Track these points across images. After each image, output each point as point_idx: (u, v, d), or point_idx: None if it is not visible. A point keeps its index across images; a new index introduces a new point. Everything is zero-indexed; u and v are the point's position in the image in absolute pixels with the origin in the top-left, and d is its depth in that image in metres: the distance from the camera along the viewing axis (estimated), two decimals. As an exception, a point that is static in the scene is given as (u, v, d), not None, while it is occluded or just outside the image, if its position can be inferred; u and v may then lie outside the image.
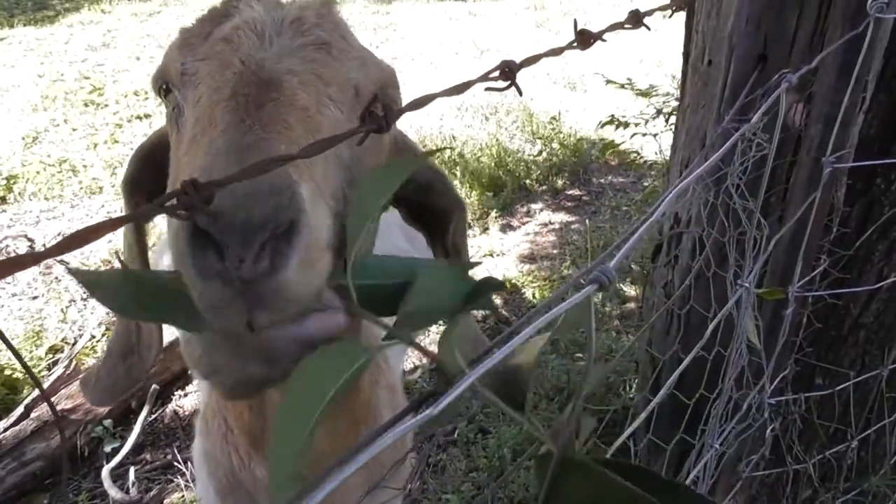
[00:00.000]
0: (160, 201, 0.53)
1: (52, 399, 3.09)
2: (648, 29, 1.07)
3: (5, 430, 2.94)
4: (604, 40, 0.96)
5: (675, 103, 4.20)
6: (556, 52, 0.93)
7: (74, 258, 4.37)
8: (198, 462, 1.57)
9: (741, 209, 1.70)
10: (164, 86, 0.88)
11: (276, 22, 0.84)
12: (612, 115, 4.31)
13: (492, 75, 0.81)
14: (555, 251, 4.66)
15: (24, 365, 0.48)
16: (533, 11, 11.27)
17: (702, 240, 1.98)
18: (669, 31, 5.43)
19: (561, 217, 5.14)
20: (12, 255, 3.24)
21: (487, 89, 0.83)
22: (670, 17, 1.26)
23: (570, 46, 0.95)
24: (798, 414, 2.20)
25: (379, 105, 0.66)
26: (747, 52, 1.79)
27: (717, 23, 1.88)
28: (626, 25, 1.06)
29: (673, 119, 4.11)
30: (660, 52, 8.08)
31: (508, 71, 0.81)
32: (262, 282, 0.59)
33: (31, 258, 0.46)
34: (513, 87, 0.81)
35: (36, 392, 3.12)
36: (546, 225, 5.01)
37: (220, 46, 0.82)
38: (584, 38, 0.94)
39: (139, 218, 0.52)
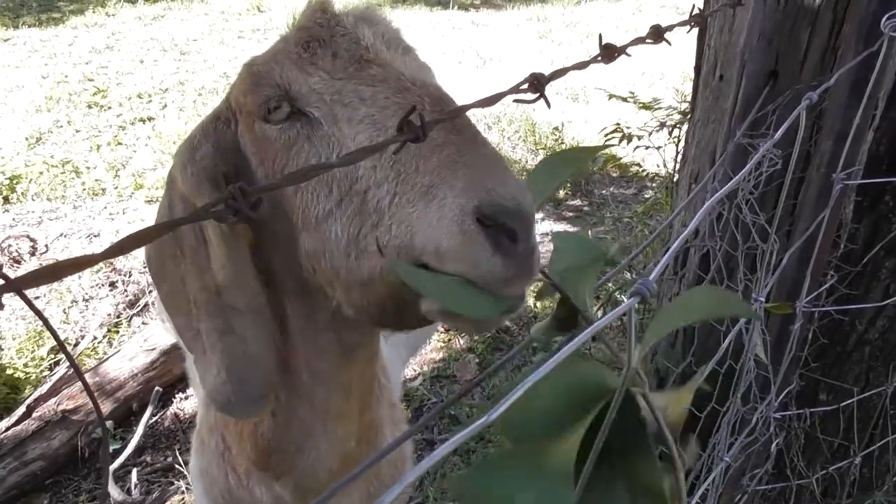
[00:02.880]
0: (208, 206, 0.54)
1: (53, 399, 3.09)
2: (669, 44, 1.09)
3: (7, 429, 2.93)
4: (628, 55, 0.97)
5: (678, 116, 4.22)
6: (581, 65, 0.94)
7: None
8: (194, 478, 1.58)
9: (751, 223, 1.71)
10: (278, 101, 0.97)
11: (378, 37, 1.00)
12: (618, 124, 4.34)
13: (521, 88, 0.82)
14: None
15: (56, 339, 0.49)
16: (536, 22, 11.32)
17: (710, 253, 1.99)
18: (673, 44, 5.46)
19: (562, 227, 5.15)
20: (14, 255, 3.23)
21: (516, 101, 0.84)
22: (689, 32, 1.28)
23: (594, 60, 0.96)
24: (802, 429, 2.20)
25: (417, 115, 0.67)
26: (759, 68, 1.81)
27: (730, 38, 1.90)
28: (648, 40, 1.07)
29: (676, 132, 4.14)
30: (662, 64, 8.12)
31: (537, 83, 0.82)
32: (533, 255, 0.80)
33: (88, 260, 0.47)
34: (541, 99, 0.82)
35: (38, 392, 3.11)
36: (547, 235, 5.02)
37: (363, 68, 0.96)
38: (609, 53, 0.96)
39: (191, 221, 0.52)
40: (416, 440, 3.10)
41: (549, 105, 0.83)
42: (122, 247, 0.49)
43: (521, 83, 0.82)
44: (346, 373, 1.23)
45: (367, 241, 0.89)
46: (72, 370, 3.25)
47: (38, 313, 0.46)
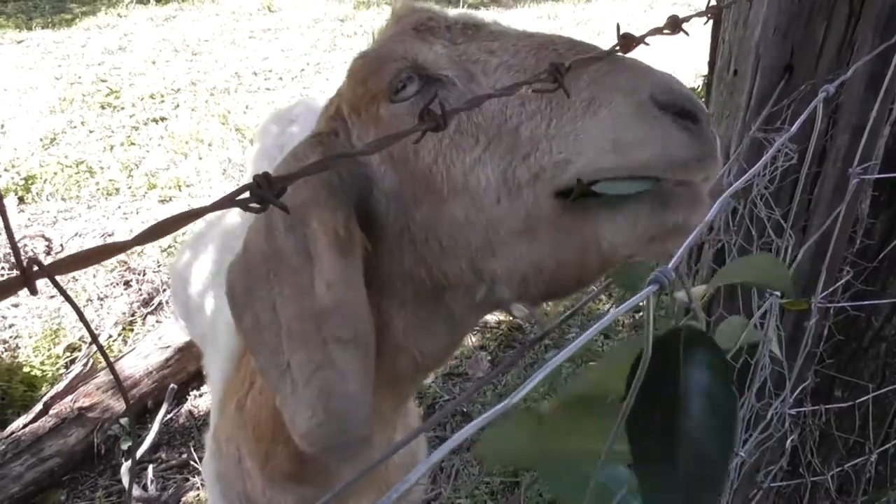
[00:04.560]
0: (233, 194, 0.55)
1: (70, 397, 3.12)
2: (687, 34, 1.08)
3: (24, 426, 2.96)
4: (646, 44, 0.97)
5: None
6: (599, 56, 0.94)
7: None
8: (209, 480, 1.57)
9: (766, 218, 1.70)
10: (407, 74, 0.95)
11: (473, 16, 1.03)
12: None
13: (541, 77, 0.82)
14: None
15: (88, 329, 0.49)
16: (546, 20, 11.30)
17: (724, 248, 1.99)
18: (682, 38, 5.44)
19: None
20: (30, 254, 3.25)
21: (535, 91, 0.84)
22: (705, 24, 1.27)
23: (613, 50, 0.96)
24: (817, 426, 2.19)
25: (438, 103, 0.67)
26: (774, 63, 1.80)
27: (744, 33, 1.89)
28: (666, 31, 1.07)
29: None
30: (676, 61, 8.09)
31: (557, 73, 0.82)
32: (715, 137, 0.80)
33: (118, 247, 0.48)
34: (561, 90, 0.83)
35: (54, 389, 3.14)
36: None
37: (479, 30, 0.98)
38: (627, 43, 0.95)
39: (215, 209, 0.53)
40: (428, 439, 3.11)
41: (568, 95, 0.83)
42: (153, 233, 0.50)
43: (541, 73, 0.82)
44: (416, 383, 1.22)
45: (518, 174, 0.85)
46: (88, 368, 3.28)
47: (71, 300, 0.46)
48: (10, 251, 4.26)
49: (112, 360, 3.40)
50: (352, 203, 0.94)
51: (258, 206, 0.54)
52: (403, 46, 0.97)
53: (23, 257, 0.41)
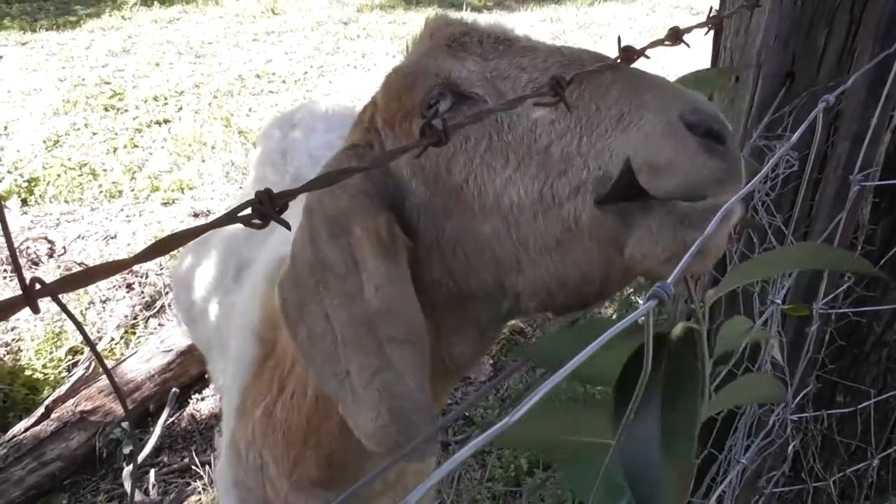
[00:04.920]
0: (236, 210, 0.55)
1: (72, 400, 3.12)
2: (688, 46, 1.09)
3: (25, 430, 2.97)
4: (647, 57, 0.98)
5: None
6: (601, 69, 0.94)
7: (94, 261, 4.42)
8: (224, 488, 1.56)
9: (768, 225, 1.71)
10: (440, 91, 0.97)
11: (506, 29, 1.04)
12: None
13: (542, 91, 0.82)
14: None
15: (89, 343, 0.50)
16: (549, 23, 11.31)
17: (726, 255, 1.99)
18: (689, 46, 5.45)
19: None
20: (33, 256, 3.26)
21: (536, 104, 0.84)
22: (706, 34, 1.28)
23: (614, 63, 0.96)
24: (819, 431, 2.19)
25: (439, 118, 0.68)
26: (775, 70, 1.80)
27: (746, 40, 1.90)
28: (666, 42, 1.08)
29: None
30: (677, 66, 8.09)
31: (558, 87, 0.82)
32: (740, 159, 0.81)
33: (121, 264, 0.48)
34: (561, 103, 0.83)
35: (56, 393, 3.15)
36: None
37: (510, 44, 0.99)
38: (628, 55, 0.96)
39: (217, 226, 0.53)
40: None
41: (569, 108, 0.83)
42: (155, 250, 0.51)
43: (542, 86, 0.83)
44: (445, 388, 1.24)
45: (557, 190, 0.86)
46: (89, 371, 3.29)
47: (74, 319, 0.47)
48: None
49: (114, 363, 3.41)
50: (390, 207, 0.97)
51: (259, 222, 0.55)
52: (436, 63, 0.98)
53: (25, 275, 0.42)
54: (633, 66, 0.92)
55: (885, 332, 2.06)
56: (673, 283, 0.62)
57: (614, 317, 3.45)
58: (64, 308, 0.45)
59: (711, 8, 1.29)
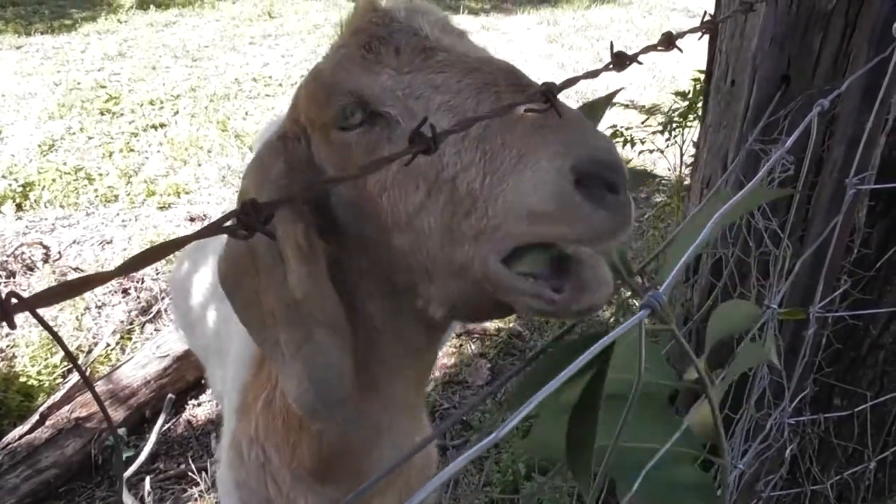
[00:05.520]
0: (220, 221, 0.54)
1: (67, 407, 3.11)
2: (681, 51, 1.08)
3: (20, 437, 2.95)
4: (640, 62, 0.97)
5: (680, 119, 4.22)
6: (593, 74, 0.93)
7: (90, 266, 4.41)
8: (226, 490, 1.57)
9: (764, 228, 1.70)
10: (353, 108, 0.98)
11: (433, 25, 1.02)
12: (615, 125, 4.34)
13: (533, 97, 0.81)
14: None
15: (65, 349, 0.49)
16: (546, 26, 11.31)
17: (722, 259, 1.98)
18: (684, 49, 5.45)
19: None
20: (27, 262, 3.24)
21: (527, 111, 0.84)
22: (700, 38, 1.27)
23: (606, 69, 0.95)
24: (816, 434, 2.19)
25: (428, 126, 0.67)
26: (771, 73, 1.80)
27: (741, 43, 1.89)
28: (660, 48, 1.07)
29: (678, 136, 4.15)
30: (672, 67, 8.10)
31: (549, 93, 0.82)
32: (631, 204, 0.82)
33: (99, 277, 0.47)
34: (552, 110, 0.82)
35: (51, 399, 3.13)
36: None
37: (428, 57, 0.97)
38: (621, 61, 0.95)
39: (201, 237, 0.53)
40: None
41: (559, 115, 0.82)
42: (135, 263, 0.50)
43: (533, 93, 0.82)
44: (420, 363, 1.26)
45: (462, 229, 0.89)
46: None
47: (51, 331, 0.46)
48: (6, 259, 4.26)
49: (109, 369, 3.39)
50: (311, 213, 1.03)
51: (245, 233, 0.54)
52: (350, 78, 0.99)
53: (1, 287, 0.41)
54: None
55: (882, 334, 2.06)
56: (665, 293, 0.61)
57: (612, 320, 3.45)
58: (44, 323, 0.44)
59: (706, 12, 1.28)
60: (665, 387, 0.91)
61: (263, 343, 1.09)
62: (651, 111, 4.32)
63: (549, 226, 0.81)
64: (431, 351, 1.28)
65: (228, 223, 0.54)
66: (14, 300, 0.42)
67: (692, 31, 1.19)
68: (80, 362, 3.50)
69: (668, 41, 1.10)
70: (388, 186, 0.95)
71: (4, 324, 0.42)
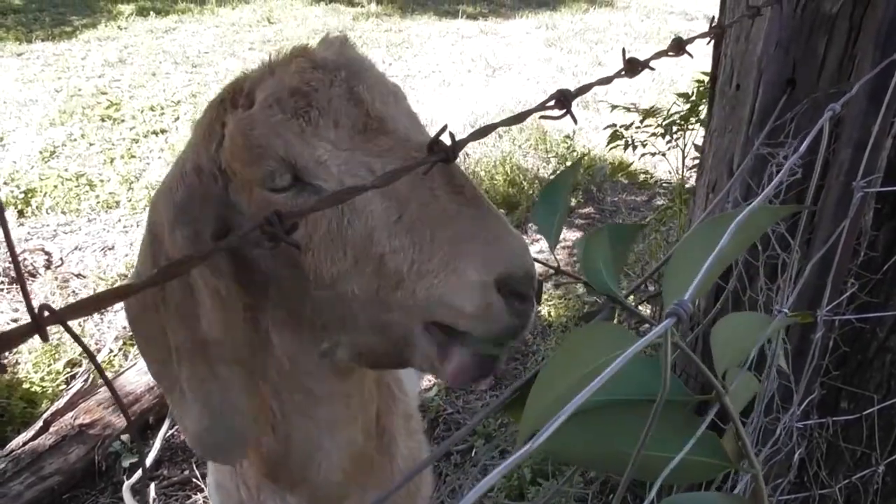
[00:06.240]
0: (245, 232, 0.54)
1: (70, 414, 3.10)
2: (692, 56, 1.08)
3: (24, 444, 2.94)
4: (651, 68, 0.97)
5: (682, 122, 4.22)
6: (606, 80, 0.93)
7: (92, 272, 4.41)
8: (211, 492, 1.61)
9: (771, 232, 1.70)
10: (282, 174, 0.98)
11: (373, 92, 1.04)
12: (614, 125, 4.34)
13: (548, 104, 0.82)
14: (568, 269, 4.66)
15: (84, 349, 0.49)
16: (545, 30, 11.33)
17: (731, 267, 1.98)
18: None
19: (574, 235, 5.14)
20: (30, 268, 3.24)
21: (542, 117, 0.84)
22: (708, 43, 1.27)
23: (618, 75, 0.95)
24: (824, 438, 2.18)
25: (447, 134, 0.67)
26: (776, 77, 1.80)
27: (746, 47, 1.89)
28: (670, 53, 1.07)
29: (680, 138, 4.14)
30: (672, 71, 8.12)
31: (564, 100, 0.82)
32: (534, 309, 0.93)
33: (132, 289, 0.47)
34: (567, 115, 0.82)
35: (55, 406, 3.13)
36: (559, 243, 5.01)
37: (368, 138, 0.98)
38: (633, 66, 0.95)
39: (225, 248, 0.53)
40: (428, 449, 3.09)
41: (575, 121, 0.83)
42: (167, 273, 0.50)
43: (548, 100, 0.82)
44: (344, 387, 1.27)
45: (388, 299, 0.95)
46: (88, 384, 3.27)
47: (80, 343, 0.46)
48: (8, 265, 4.25)
49: (112, 375, 3.39)
50: (228, 258, 1.04)
51: (271, 243, 0.54)
52: (284, 145, 0.97)
53: (34, 303, 0.41)
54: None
55: (889, 337, 2.06)
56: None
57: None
58: (75, 337, 0.44)
59: (714, 17, 1.29)
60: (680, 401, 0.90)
61: (162, 379, 1.09)
62: (651, 113, 4.31)
63: (470, 321, 0.91)
64: (353, 378, 1.28)
65: (251, 233, 0.54)
66: (47, 313, 0.42)
67: (701, 35, 1.19)
68: (83, 369, 3.50)
69: (679, 46, 1.11)
70: (312, 247, 0.97)
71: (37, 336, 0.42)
